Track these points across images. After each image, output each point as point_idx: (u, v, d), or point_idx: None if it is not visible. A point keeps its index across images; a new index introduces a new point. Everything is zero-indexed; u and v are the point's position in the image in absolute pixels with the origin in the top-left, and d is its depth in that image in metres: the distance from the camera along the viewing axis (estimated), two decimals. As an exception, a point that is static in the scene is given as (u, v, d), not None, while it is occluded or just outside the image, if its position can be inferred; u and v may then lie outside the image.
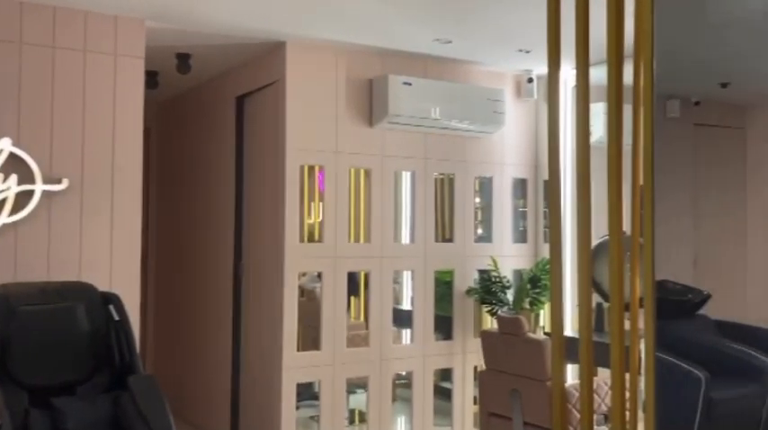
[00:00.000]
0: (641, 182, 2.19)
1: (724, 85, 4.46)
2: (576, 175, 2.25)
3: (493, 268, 5.36)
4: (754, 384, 3.72)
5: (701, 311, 4.15)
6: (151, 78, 5.37)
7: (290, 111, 4.79)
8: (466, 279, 5.42)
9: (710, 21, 3.91)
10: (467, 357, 5.40)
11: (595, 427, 3.91)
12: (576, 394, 3.79)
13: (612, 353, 1.98)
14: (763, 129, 3.97)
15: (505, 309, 5.21)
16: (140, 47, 4.37)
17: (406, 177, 5.53)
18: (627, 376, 2.37)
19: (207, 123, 5.94)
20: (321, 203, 5.07)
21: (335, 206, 4.95)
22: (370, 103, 5.04)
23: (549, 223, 2.30)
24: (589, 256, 2.15)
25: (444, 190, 5.86)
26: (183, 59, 5.15)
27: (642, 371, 2.13)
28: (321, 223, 5.04)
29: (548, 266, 4.89)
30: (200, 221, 6.00)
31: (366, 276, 5.23)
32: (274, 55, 4.92)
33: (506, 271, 5.49)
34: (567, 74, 4.88)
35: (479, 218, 5.92)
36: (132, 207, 4.33)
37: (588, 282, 2.13)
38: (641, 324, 2.21)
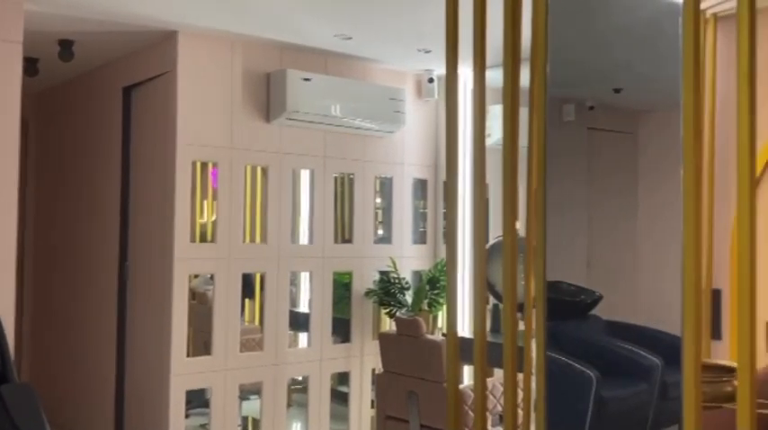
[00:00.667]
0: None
1: (617, 91, 4.68)
2: (472, 176, 2.30)
3: (392, 269, 5.41)
4: (642, 383, 3.92)
5: (593, 312, 4.34)
6: (30, 65, 5.12)
7: (182, 104, 4.67)
8: (365, 280, 5.44)
9: (600, 28, 4.09)
10: (365, 360, 5.42)
11: (491, 428, 4.01)
12: (473, 395, 3.88)
13: (505, 354, 2.03)
14: (653, 135, 4.19)
15: (404, 310, 5.26)
16: (18, 31, 4.14)
17: (304, 176, 5.50)
18: (521, 376, 2.44)
19: (92, 115, 5.70)
20: (214, 202, 4.97)
21: (230, 205, 4.86)
22: (268, 98, 4.98)
23: (446, 224, 2.34)
24: (483, 257, 2.20)
25: (344, 189, 5.87)
26: (66, 46, 4.92)
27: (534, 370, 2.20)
28: (214, 222, 4.94)
29: (446, 267, 4.98)
30: (83, 220, 5.75)
31: (262, 278, 5.16)
32: (165, 44, 4.78)
33: (406, 272, 5.55)
34: (468, 75, 4.99)
35: (380, 218, 5.97)
36: (6, 204, 4.09)
37: (482, 283, 2.18)
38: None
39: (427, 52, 5.08)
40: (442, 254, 5.67)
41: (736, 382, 2.76)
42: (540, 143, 2.05)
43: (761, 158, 3.86)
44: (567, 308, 4.35)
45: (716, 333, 4.03)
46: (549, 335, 4.28)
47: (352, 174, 5.48)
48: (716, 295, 4.01)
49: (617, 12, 4.05)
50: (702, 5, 3.92)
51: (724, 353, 3.99)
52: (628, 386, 3.94)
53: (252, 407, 5.46)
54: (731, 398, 2.83)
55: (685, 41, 1.66)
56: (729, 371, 2.92)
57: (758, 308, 3.95)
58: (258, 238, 5.26)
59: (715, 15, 3.99)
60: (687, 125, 1.67)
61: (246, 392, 5.34)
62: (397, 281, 5.36)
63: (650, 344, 3.98)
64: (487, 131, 5.47)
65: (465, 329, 4.96)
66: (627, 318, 4.26)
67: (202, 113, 4.75)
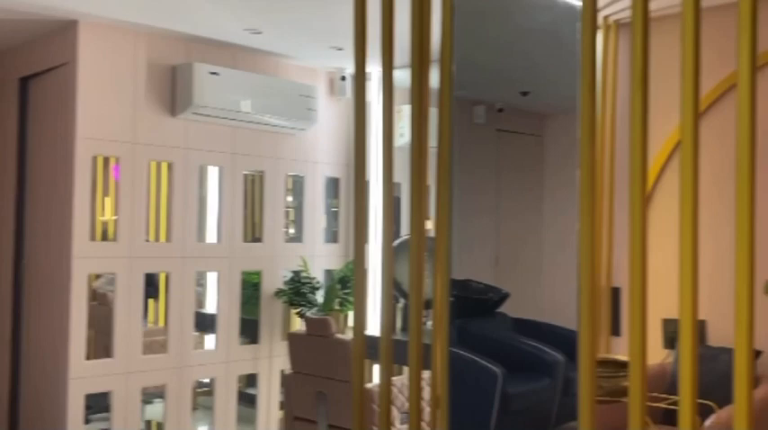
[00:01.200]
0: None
1: (524, 94, 4.82)
2: (382, 175, 2.32)
3: (303, 269, 5.39)
4: (546, 378, 4.05)
5: (501, 309, 4.45)
6: None
7: (82, 96, 4.51)
8: (275, 280, 5.40)
9: (507, 32, 4.20)
10: (273, 361, 5.38)
11: (399, 426, 4.05)
12: (381, 394, 3.90)
13: (410, 351, 2.06)
14: (558, 137, 4.33)
15: (315, 310, 5.25)
16: None
17: (212, 173, 5.41)
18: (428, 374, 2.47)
19: (-16, 106, 5.43)
20: (116, 199, 4.82)
21: (132, 202, 4.72)
22: (173, 91, 4.87)
23: (355, 223, 2.35)
24: (391, 256, 2.23)
25: (254, 187, 5.81)
26: (-45, 32, 4.68)
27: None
28: (116, 220, 4.79)
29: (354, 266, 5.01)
30: (-27, 216, 5.48)
31: (166, 278, 5.04)
32: (65, 34, 4.61)
33: (317, 271, 5.54)
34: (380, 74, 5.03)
35: (291, 217, 5.93)
36: None
37: (390, 281, 2.20)
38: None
39: (340, 50, 5.08)
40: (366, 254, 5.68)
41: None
42: (445, 143, 2.09)
43: (658, 161, 4.05)
44: (476, 306, 4.45)
45: (615, 329, 4.21)
46: (456, 332, 4.36)
47: (263, 171, 5.43)
48: (615, 293, 4.18)
49: (521, 16, 4.17)
50: (605, 12, 4.08)
51: (624, 350, 4.16)
52: (532, 382, 4.07)
53: (155, 410, 5.33)
54: (628, 392, 2.96)
55: (582, 46, 1.73)
56: (627, 366, 3.04)
57: (654, 305, 4.13)
58: (163, 237, 5.14)
59: (617, 22, 4.16)
60: (584, 127, 1.74)
61: (150, 395, 5.21)
62: (307, 280, 5.34)
63: (554, 341, 4.12)
64: (401, 131, 5.53)
65: (376, 328, 5.00)
66: (533, 314, 4.40)
67: (104, 107, 4.60)
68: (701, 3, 1.62)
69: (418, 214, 2.08)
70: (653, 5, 2.82)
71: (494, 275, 4.54)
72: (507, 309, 4.32)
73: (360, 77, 2.18)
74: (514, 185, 4.58)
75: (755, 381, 3.52)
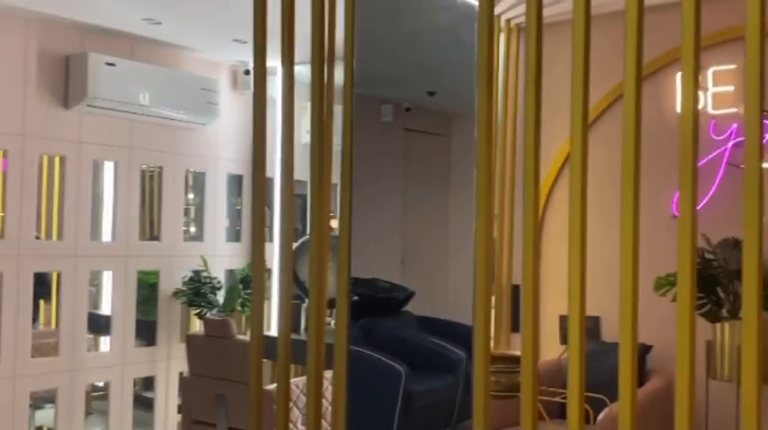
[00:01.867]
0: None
1: (431, 94, 4.90)
2: (281, 173, 2.31)
3: (203, 268, 5.30)
4: (449, 375, 4.13)
5: (407, 308, 4.50)
6: None
7: (-35, 84, 4.29)
8: (173, 280, 5.28)
9: (413, 31, 4.25)
10: (171, 364, 5.27)
11: (300, 427, 4.03)
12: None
13: (309, 351, 2.07)
14: (465, 137, 4.41)
15: (215, 311, 5.18)
16: None
17: (108, 168, 5.24)
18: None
19: None
20: (3, 193, 4.61)
21: (20, 197, 4.52)
22: (67, 82, 4.69)
23: (252, 221, 2.33)
24: (290, 254, 2.22)
25: (153, 184, 5.66)
26: None
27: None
28: (2, 217, 4.58)
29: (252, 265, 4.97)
30: None
31: (58, 277, 4.86)
32: (-54, 17, 4.37)
33: (219, 271, 5.45)
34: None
35: (192, 215, 5.82)
36: None
37: (289, 280, 2.20)
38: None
39: (243, 43, 5.02)
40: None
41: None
42: (348, 141, 2.10)
43: (555, 164, 4.20)
44: (381, 305, 4.49)
45: (516, 326, 4.33)
46: (361, 331, 4.40)
47: (162, 167, 5.30)
48: (516, 290, 4.30)
49: (422, 15, 4.24)
50: (508, 15, 4.20)
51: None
52: (436, 379, 4.14)
53: (46, 416, 5.12)
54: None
55: (479, 48, 1.78)
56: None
57: (553, 302, 4.28)
58: (54, 235, 4.95)
59: (518, 26, 4.29)
60: (480, 128, 1.78)
61: (40, 400, 5.01)
62: (208, 280, 5.26)
63: (458, 338, 4.21)
64: (306, 128, 5.49)
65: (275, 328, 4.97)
66: (439, 312, 4.48)
67: (-11, 96, 4.39)
68: (590, 10, 1.69)
69: (319, 212, 2.09)
70: (552, 10, 2.92)
71: (400, 274, 4.59)
72: (413, 307, 4.38)
73: (259, 72, 2.17)
74: (422, 185, 4.65)
75: (647, 375, 3.71)
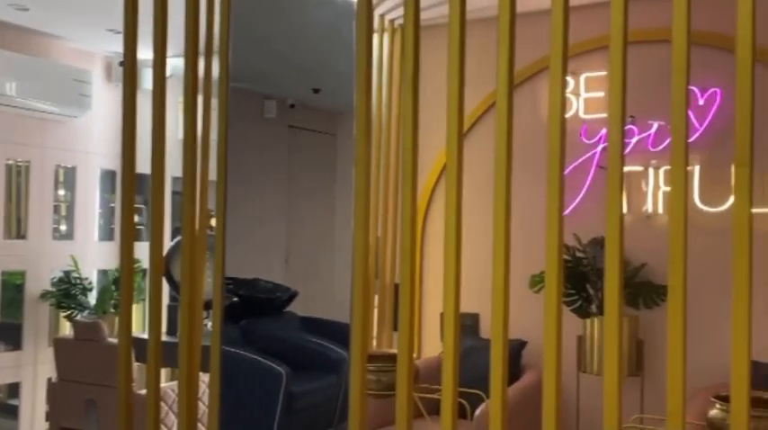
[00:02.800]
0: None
1: (316, 91, 4.89)
2: (152, 168, 2.25)
3: (74, 268, 5.09)
4: (331, 376, 4.15)
5: (290, 308, 4.49)
6: None
7: None
8: (41, 281, 5.04)
9: (296, 26, 4.24)
10: (39, 369, 5.03)
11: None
12: (173, 396, 3.79)
13: (181, 353, 2.03)
14: (352, 136, 4.44)
15: (86, 313, 4.98)
16: None
17: (-32, 161, 4.94)
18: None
19: None
20: None
21: None
22: None
23: (121, 218, 2.26)
24: (160, 252, 2.17)
25: (21, 179, 5.38)
26: None
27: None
28: None
29: (135, 266, 4.82)
30: None
31: None
32: None
33: (91, 271, 5.25)
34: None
35: (63, 212, 5.57)
36: None
37: (158, 279, 2.15)
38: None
39: (118, 33, 4.84)
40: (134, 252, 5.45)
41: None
42: (223, 136, 2.08)
43: (437, 165, 4.30)
44: (263, 305, 4.46)
45: (397, 324, 4.40)
46: (242, 333, 4.34)
47: (29, 161, 5.05)
48: (398, 289, 4.36)
49: (301, 11, 4.24)
50: (391, 15, 4.26)
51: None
52: (317, 380, 4.15)
53: None
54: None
55: (357, 46, 1.80)
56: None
57: (434, 300, 4.37)
58: None
59: (402, 26, 4.35)
60: (359, 127, 1.81)
61: None
62: (78, 281, 5.05)
63: (342, 338, 4.24)
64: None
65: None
66: (323, 312, 4.49)
67: None
68: (465, 15, 1.75)
69: (190, 209, 2.05)
70: (431, 13, 2.99)
71: (284, 274, 4.57)
72: (297, 307, 4.37)
73: (130, 63, 2.11)
74: (307, 183, 4.64)
75: (522, 370, 3.85)
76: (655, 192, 3.81)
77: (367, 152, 1.81)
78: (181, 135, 4.76)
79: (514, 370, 3.80)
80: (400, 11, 4.18)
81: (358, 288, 1.80)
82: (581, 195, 3.90)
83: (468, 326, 4.11)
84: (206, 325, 3.13)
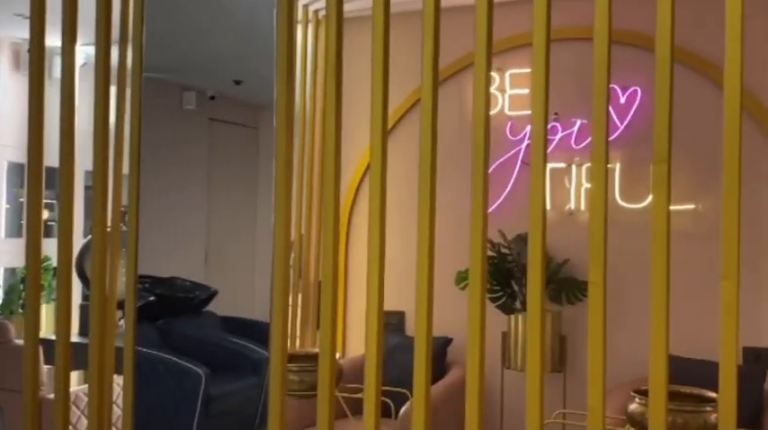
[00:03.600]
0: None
1: (237, 83, 4.81)
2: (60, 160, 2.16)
3: (-22, 267, 4.89)
4: (252, 377, 4.09)
5: (210, 308, 4.41)
6: None
7: None
8: (-59, 280, 4.82)
9: (212, 15, 4.15)
10: (-61, 374, 4.80)
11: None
12: (85, 399, 3.67)
13: (91, 354, 1.96)
14: (273, 130, 4.38)
15: (-8, 314, 4.79)
16: None
17: None
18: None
19: None
20: None
21: None
22: None
23: (27, 213, 2.17)
24: (69, 250, 2.09)
25: None
26: None
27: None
28: None
29: (45, 263, 4.65)
30: None
31: None
32: None
33: (-4, 270, 5.05)
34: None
35: (-34, 207, 5.34)
36: None
37: (68, 277, 2.07)
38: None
39: (26, 18, 4.66)
40: (45, 249, 5.26)
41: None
42: (135, 128, 2.01)
43: (365, 157, 4.29)
44: (181, 304, 4.36)
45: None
46: (159, 333, 4.24)
47: (-73, 153, 4.81)
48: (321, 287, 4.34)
49: (227, 1, 4.16)
50: (314, 6, 4.22)
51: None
52: (238, 381, 4.09)
53: None
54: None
55: (278, 36, 1.77)
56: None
57: (361, 298, 4.34)
58: None
59: (326, 17, 4.32)
60: (279, 120, 1.78)
61: None
62: (-16, 280, 4.85)
63: (263, 338, 4.18)
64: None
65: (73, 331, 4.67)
66: (244, 312, 4.42)
67: None
68: (389, 9, 1.74)
69: (101, 204, 1.98)
70: (355, 5, 2.97)
71: (203, 272, 4.48)
72: (217, 306, 4.29)
73: (36, 49, 2.02)
74: (228, 178, 4.55)
75: (447, 367, 3.89)
76: (577, 188, 3.89)
77: (288, 146, 1.79)
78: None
79: (440, 367, 3.83)
80: (323, 2, 4.15)
81: (279, 286, 1.78)
82: (506, 192, 3.96)
83: (393, 324, 4.13)
84: (120, 325, 3.05)
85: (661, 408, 1.50)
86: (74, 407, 3.62)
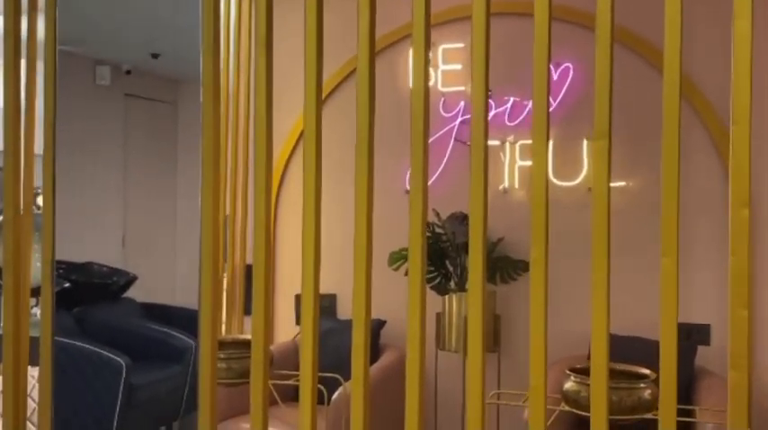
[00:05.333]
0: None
1: (155, 56, 4.68)
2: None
3: None
4: (176, 365, 4.03)
5: (129, 294, 4.31)
6: None
7: None
8: None
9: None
10: None
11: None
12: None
13: (5, 347, 1.89)
14: (194, 105, 4.29)
15: None
16: None
17: None
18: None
19: None
20: None
21: None
22: None
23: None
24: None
25: None
26: None
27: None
28: None
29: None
30: None
31: None
32: None
33: None
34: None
35: None
36: None
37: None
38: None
39: None
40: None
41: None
42: (50, 104, 1.93)
43: (293, 134, 4.25)
44: (98, 291, 4.24)
45: (249, 308, 4.33)
46: (75, 321, 4.12)
47: None
48: (250, 271, 4.30)
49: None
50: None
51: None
52: (161, 369, 4.02)
53: None
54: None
55: (204, 8, 1.72)
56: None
57: (287, 282, 4.32)
58: None
59: (251, -13, 4.24)
60: (206, 95, 1.74)
61: None
62: None
63: (186, 325, 4.11)
64: None
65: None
66: (165, 298, 4.33)
67: None
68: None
69: (14, 186, 1.91)
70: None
71: (121, 257, 4.36)
72: (136, 293, 4.19)
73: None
74: (146, 157, 4.43)
75: (381, 350, 3.91)
76: (511, 166, 3.94)
77: (216, 120, 1.75)
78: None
79: (373, 350, 3.85)
80: (248, -29, 4.07)
81: (207, 269, 1.74)
82: (440, 170, 3.98)
83: (325, 307, 4.12)
84: (34, 313, 2.95)
85: (602, 386, 1.54)
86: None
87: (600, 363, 1.55)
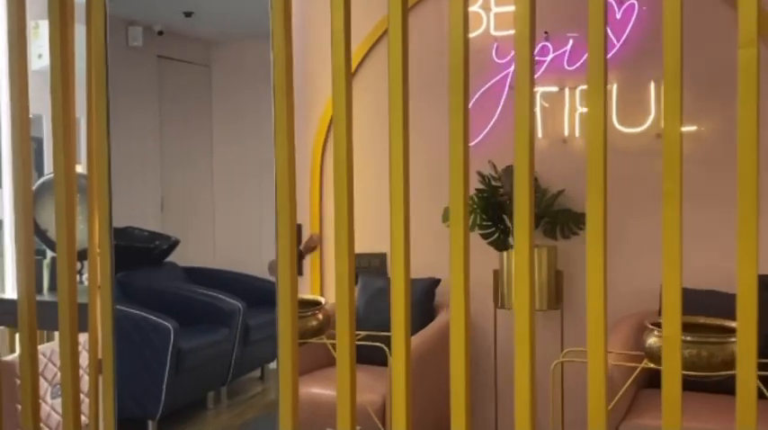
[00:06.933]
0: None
1: (188, 15, 4.71)
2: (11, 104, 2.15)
3: None
4: (224, 328, 4.15)
5: (170, 258, 4.43)
6: None
7: None
8: None
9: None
10: None
11: (51, 401, 3.89)
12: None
13: (61, 312, 1.98)
14: (228, 68, 4.32)
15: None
16: None
17: None
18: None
19: None
20: None
21: None
22: None
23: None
24: (29, 199, 2.09)
25: None
26: None
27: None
28: None
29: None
30: None
31: None
32: None
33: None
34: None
35: None
36: None
37: (29, 229, 2.08)
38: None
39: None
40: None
41: (320, 316, 3.06)
42: (101, 67, 1.99)
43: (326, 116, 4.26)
44: (140, 256, 4.36)
45: (299, 269, 4.43)
46: (118, 287, 4.27)
47: None
48: (298, 230, 4.38)
49: None
50: None
51: (305, 289, 4.41)
52: (210, 333, 4.13)
53: None
54: (317, 332, 3.15)
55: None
56: (314, 304, 3.20)
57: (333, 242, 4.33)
58: None
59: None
60: (277, 50, 1.76)
61: None
62: None
63: (231, 288, 4.22)
64: (38, 51, 5.12)
65: (12, 289, 4.65)
66: (206, 262, 4.43)
67: None
68: None
69: (62, 147, 1.98)
70: None
71: (160, 221, 4.46)
72: (177, 257, 4.30)
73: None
74: (181, 121, 4.49)
75: (436, 310, 3.97)
76: (571, 114, 3.87)
77: (290, 78, 1.76)
78: (34, 66, 4.52)
79: (429, 309, 3.90)
80: None
81: (284, 225, 1.77)
82: (494, 120, 3.97)
83: (374, 267, 4.19)
84: (80, 281, 3.06)
85: (677, 341, 1.56)
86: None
87: (673, 318, 1.56)
